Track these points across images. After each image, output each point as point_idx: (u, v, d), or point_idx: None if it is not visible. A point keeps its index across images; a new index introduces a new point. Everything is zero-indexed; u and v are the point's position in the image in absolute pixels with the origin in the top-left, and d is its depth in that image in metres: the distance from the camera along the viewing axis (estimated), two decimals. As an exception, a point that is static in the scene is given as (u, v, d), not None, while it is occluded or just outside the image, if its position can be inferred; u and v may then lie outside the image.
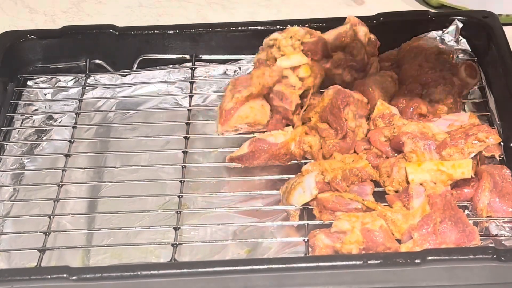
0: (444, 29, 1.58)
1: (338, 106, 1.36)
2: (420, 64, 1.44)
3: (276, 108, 1.42)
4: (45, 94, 1.58)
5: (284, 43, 1.46)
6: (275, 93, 1.42)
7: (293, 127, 1.41)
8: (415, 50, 1.47)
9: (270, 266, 1.15)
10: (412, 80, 1.43)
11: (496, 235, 1.26)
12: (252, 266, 1.16)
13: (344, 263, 1.15)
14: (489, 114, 1.44)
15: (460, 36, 1.58)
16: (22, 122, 1.52)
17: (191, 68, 1.59)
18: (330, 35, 1.50)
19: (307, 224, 1.28)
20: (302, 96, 1.43)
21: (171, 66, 1.61)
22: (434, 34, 1.57)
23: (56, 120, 1.54)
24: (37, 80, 1.59)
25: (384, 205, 1.27)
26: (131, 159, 1.46)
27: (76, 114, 1.51)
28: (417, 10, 1.74)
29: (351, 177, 1.31)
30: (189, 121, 1.47)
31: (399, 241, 1.23)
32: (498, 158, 1.34)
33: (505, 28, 1.53)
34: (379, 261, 1.14)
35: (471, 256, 1.14)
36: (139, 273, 1.14)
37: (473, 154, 1.29)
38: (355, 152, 1.37)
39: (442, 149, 1.29)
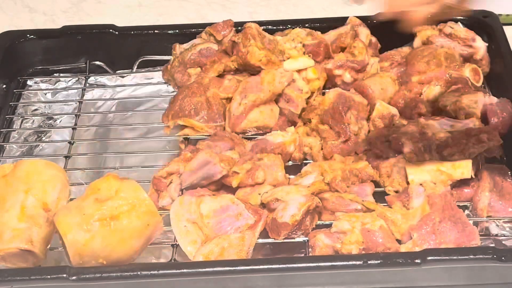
0: (444, 29, 1.58)
1: (339, 112, 1.36)
2: (428, 62, 1.44)
3: (282, 110, 1.42)
4: (45, 94, 1.58)
5: (288, 46, 1.45)
6: (282, 95, 1.42)
7: (294, 126, 1.41)
8: (425, 48, 1.47)
9: (270, 266, 1.15)
10: (418, 75, 1.43)
11: (496, 235, 1.26)
12: (252, 266, 1.16)
13: (344, 263, 1.15)
14: (489, 114, 1.44)
15: (460, 36, 1.57)
16: (22, 123, 1.52)
17: (191, 68, 1.59)
18: (330, 36, 1.50)
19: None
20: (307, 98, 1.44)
21: (171, 66, 1.61)
22: (434, 34, 1.57)
23: (56, 121, 1.54)
24: (37, 80, 1.59)
25: (384, 206, 1.27)
26: (130, 160, 1.46)
27: (75, 115, 1.51)
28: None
29: (351, 178, 1.31)
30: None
31: (399, 241, 1.23)
32: (499, 158, 1.34)
33: (505, 28, 1.53)
34: (379, 261, 1.14)
35: (471, 256, 1.14)
36: (139, 273, 1.14)
37: (474, 155, 1.29)
38: (355, 153, 1.36)
39: (443, 149, 1.29)
